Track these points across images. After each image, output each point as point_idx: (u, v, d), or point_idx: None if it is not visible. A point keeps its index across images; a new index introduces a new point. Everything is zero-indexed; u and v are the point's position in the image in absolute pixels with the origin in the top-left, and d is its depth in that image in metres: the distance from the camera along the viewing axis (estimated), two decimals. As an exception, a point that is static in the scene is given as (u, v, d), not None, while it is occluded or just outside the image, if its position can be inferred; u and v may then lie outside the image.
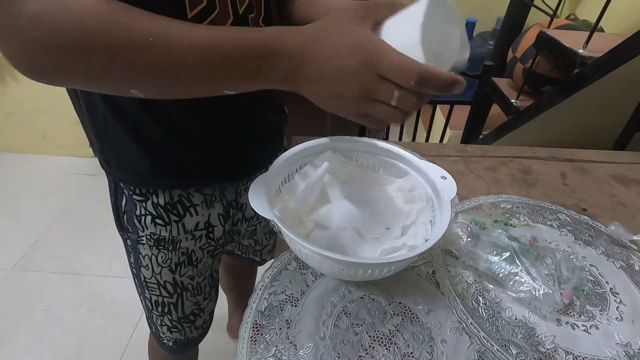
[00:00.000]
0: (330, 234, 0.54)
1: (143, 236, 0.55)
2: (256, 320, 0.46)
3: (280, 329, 0.46)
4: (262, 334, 0.45)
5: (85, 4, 0.29)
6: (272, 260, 0.54)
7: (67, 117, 1.85)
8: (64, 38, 0.29)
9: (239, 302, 1.12)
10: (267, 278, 0.52)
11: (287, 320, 0.46)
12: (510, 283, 0.50)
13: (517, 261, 0.50)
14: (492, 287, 0.51)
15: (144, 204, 0.53)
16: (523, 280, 0.49)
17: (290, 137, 0.76)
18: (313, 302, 0.48)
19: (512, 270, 0.50)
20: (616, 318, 0.48)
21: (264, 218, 0.46)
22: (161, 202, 0.53)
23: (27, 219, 1.66)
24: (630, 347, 0.45)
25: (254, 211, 0.43)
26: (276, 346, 0.44)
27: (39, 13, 0.28)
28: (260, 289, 0.50)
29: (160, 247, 0.56)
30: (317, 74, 0.33)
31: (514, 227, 0.57)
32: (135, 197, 0.53)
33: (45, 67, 0.31)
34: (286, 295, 0.49)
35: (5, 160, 1.94)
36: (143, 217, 0.54)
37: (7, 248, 1.50)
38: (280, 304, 0.48)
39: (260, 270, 0.54)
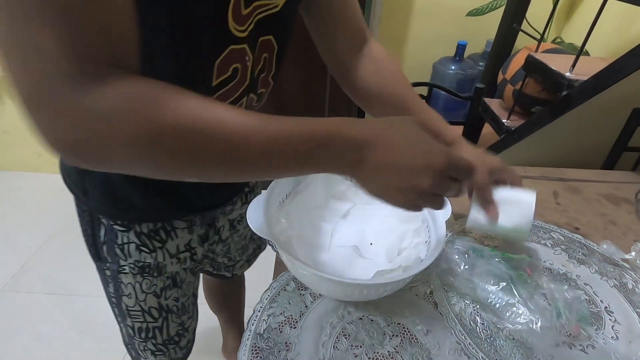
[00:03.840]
0: (328, 255, 0.55)
1: (125, 265, 0.53)
2: (255, 343, 0.46)
3: (280, 351, 0.45)
4: (261, 357, 0.45)
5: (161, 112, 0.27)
6: (271, 281, 0.54)
7: (63, 136, 1.86)
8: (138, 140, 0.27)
9: (231, 321, 1.11)
10: (266, 299, 0.52)
11: (286, 343, 0.46)
12: (507, 314, 0.49)
13: (515, 292, 0.50)
14: (490, 315, 0.50)
15: (126, 233, 0.51)
16: (520, 312, 0.48)
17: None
18: (312, 324, 0.48)
19: (509, 301, 0.49)
20: (612, 337, 0.49)
21: (258, 236, 0.47)
22: (144, 230, 0.52)
23: (19, 238, 1.63)
24: (626, 366, 0.46)
25: (249, 229, 0.43)
26: (275, 369, 0.44)
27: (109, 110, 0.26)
28: (259, 311, 0.50)
29: (145, 274, 0.55)
30: (381, 165, 0.33)
31: (512, 257, 0.56)
32: (116, 227, 0.51)
33: (100, 161, 0.29)
34: (285, 317, 0.49)
35: (-2, 179, 1.93)
36: (126, 245, 0.52)
37: (-3, 268, 1.47)
38: (279, 325, 0.48)
39: (259, 291, 0.53)
